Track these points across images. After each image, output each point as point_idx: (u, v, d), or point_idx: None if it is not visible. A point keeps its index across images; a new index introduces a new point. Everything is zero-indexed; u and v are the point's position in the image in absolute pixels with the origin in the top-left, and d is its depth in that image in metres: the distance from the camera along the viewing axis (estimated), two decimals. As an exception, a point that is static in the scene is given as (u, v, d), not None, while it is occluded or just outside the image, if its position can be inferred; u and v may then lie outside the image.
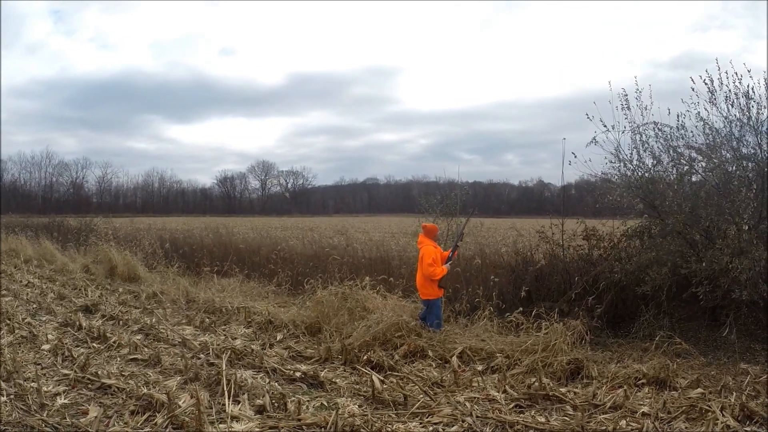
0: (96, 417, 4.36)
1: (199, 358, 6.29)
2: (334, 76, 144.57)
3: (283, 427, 4.31)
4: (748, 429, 4.46)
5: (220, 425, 4.31)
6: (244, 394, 4.98)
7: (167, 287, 11.17)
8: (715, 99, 7.53)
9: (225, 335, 7.64)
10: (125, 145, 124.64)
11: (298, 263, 12.00)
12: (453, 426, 4.54)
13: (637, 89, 7.79)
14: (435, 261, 7.32)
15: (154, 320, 8.28)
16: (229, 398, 4.78)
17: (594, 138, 7.98)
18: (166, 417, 4.29)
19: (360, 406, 4.97)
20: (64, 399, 4.86)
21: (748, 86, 7.31)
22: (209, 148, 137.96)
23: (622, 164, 8.12)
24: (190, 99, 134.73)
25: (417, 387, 5.38)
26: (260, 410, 4.66)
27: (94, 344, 6.92)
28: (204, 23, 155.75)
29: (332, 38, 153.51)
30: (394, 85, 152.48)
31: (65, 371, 5.64)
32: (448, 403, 5.03)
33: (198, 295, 10.30)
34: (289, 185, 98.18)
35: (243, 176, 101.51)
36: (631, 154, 8.01)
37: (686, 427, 4.54)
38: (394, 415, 4.74)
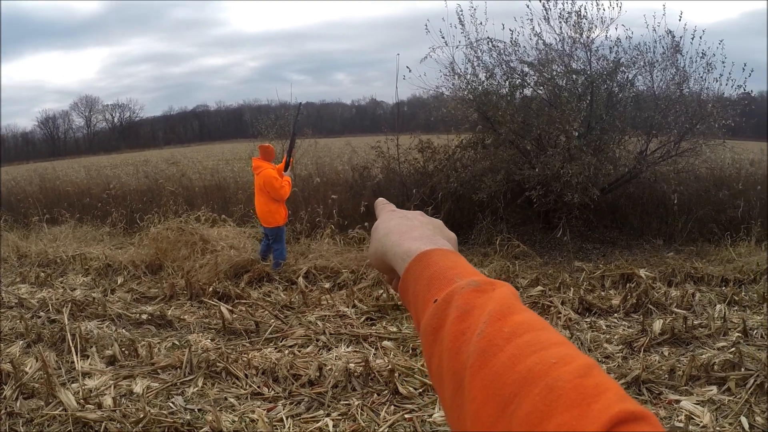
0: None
1: (39, 317, 6.02)
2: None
3: (138, 374, 4.40)
4: (588, 320, 5.29)
5: (73, 384, 4.29)
6: (92, 347, 4.94)
7: (-7, 246, 10.27)
8: (548, 17, 8.13)
9: (63, 287, 7.29)
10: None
11: (131, 200, 11.55)
12: (308, 346, 4.90)
13: (472, 6, 8.17)
14: (281, 182, 7.02)
15: (-17, 284, 7.69)
16: (77, 354, 4.74)
17: (431, 50, 8.33)
18: (14, 387, 4.13)
19: (212, 340, 5.17)
20: None
21: (580, 6, 7.99)
22: (25, 87, 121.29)
23: (456, 77, 8.61)
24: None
25: (267, 312, 5.66)
26: (111, 361, 4.67)
27: None
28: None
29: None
30: (219, 6, 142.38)
31: None
32: (300, 324, 5.38)
33: (29, 248, 9.59)
34: (116, 119, 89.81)
35: (66, 115, 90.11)
36: (466, 68, 8.52)
37: (531, 323, 5.26)
38: (248, 344, 5.02)
